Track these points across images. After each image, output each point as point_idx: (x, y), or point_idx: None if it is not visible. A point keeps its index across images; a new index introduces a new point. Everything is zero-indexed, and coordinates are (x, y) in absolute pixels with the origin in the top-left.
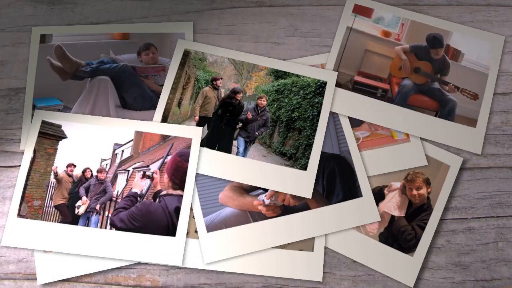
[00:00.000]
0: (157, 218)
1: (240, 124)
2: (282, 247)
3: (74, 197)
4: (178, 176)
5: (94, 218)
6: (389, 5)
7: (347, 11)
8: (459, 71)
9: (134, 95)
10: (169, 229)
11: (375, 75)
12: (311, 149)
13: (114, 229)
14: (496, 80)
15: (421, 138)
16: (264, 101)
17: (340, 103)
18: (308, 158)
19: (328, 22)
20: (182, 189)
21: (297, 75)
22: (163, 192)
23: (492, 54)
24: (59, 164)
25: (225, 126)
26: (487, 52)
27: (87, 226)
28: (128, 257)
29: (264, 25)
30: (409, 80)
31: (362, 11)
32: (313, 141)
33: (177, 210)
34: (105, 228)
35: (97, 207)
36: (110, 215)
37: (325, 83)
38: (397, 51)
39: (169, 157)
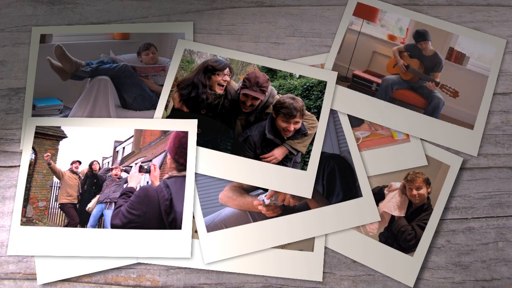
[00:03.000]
0: (156, 203)
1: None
2: (282, 247)
3: (85, 194)
4: (182, 155)
5: (108, 211)
6: (391, 4)
7: (349, 9)
8: (460, 74)
9: (134, 95)
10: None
11: (375, 72)
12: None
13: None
14: (496, 80)
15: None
16: (297, 122)
17: (337, 99)
18: (296, 161)
19: (328, 22)
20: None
21: (284, 78)
22: (166, 176)
23: (494, 57)
24: (61, 163)
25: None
26: (489, 54)
27: (101, 220)
28: (134, 254)
29: (264, 25)
30: (395, 76)
31: (365, 14)
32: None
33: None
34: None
35: (117, 196)
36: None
37: (311, 86)
38: (393, 51)
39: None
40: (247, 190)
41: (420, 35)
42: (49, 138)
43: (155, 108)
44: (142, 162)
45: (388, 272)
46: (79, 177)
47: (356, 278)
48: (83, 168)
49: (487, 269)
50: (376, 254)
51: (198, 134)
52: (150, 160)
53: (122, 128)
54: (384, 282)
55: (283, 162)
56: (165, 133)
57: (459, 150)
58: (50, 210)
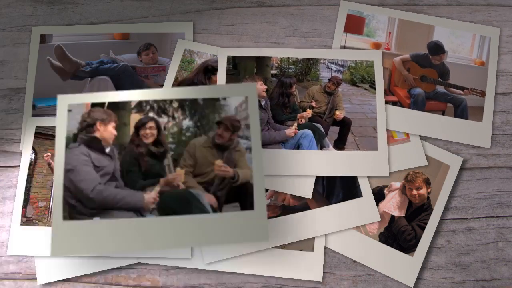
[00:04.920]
0: None
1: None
2: (282, 247)
3: None
4: None
5: None
6: (385, 7)
7: (341, 15)
8: (458, 70)
9: None
10: None
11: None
12: None
13: None
14: (496, 80)
15: (427, 137)
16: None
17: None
18: None
19: (328, 22)
20: None
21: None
22: None
23: (490, 47)
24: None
25: None
26: (465, 43)
27: None
28: (135, 254)
29: (264, 25)
30: (420, 89)
31: (353, 28)
32: None
33: None
34: None
35: None
36: None
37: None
38: (397, 64)
39: None
40: None
41: (440, 48)
42: (49, 138)
43: None
44: None
45: (388, 272)
46: None
47: (356, 278)
48: None
49: (487, 269)
50: (376, 254)
51: None
52: None
53: None
54: (384, 282)
55: None
56: None
57: (472, 144)
58: (50, 210)
